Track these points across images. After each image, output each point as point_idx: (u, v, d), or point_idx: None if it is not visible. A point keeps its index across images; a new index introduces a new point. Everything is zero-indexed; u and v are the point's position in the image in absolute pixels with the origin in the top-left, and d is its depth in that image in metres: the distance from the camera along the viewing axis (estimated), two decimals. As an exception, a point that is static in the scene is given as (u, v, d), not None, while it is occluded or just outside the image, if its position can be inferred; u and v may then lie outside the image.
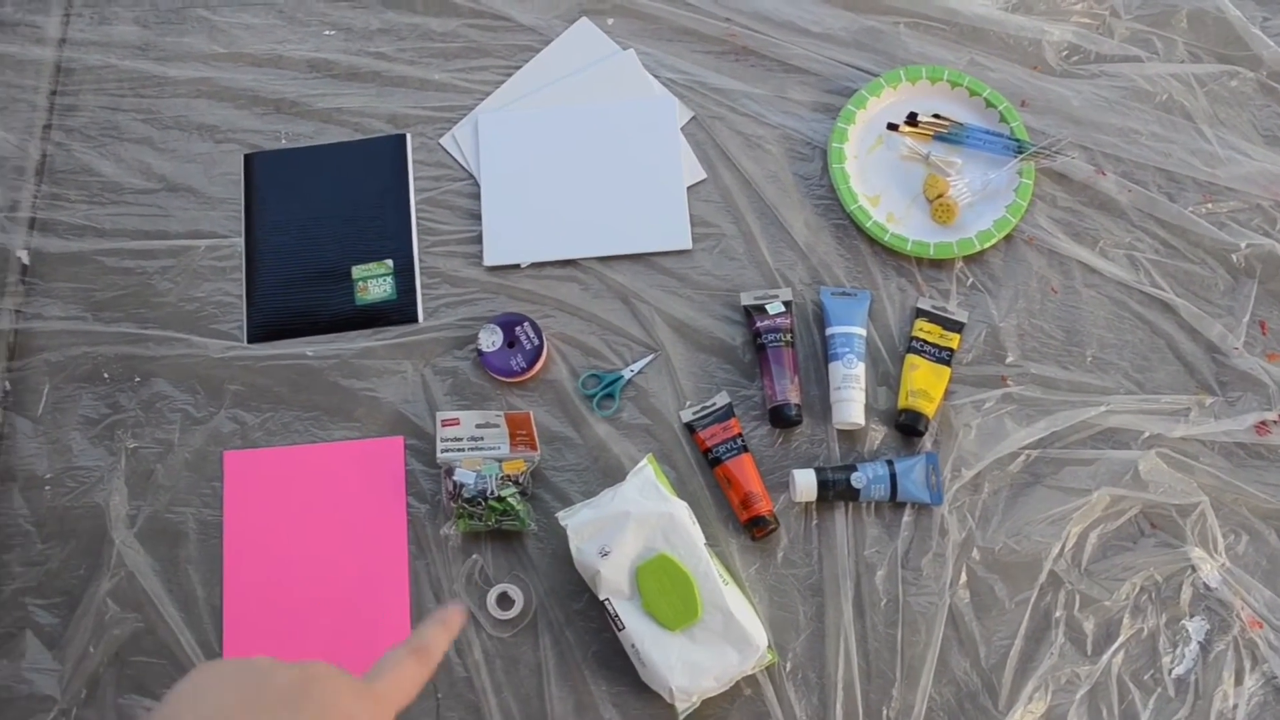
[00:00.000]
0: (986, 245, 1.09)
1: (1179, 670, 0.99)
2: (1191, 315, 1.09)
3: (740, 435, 1.03)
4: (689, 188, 1.14)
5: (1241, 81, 1.18)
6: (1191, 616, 1.00)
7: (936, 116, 1.15)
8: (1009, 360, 1.08)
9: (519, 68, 1.19)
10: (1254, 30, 1.19)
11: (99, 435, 1.07)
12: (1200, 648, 0.99)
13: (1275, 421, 1.06)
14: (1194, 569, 1.01)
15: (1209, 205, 1.13)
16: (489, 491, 0.99)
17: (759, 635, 0.95)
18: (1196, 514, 1.02)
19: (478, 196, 1.14)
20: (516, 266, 1.12)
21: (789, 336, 1.05)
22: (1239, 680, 0.98)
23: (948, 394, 1.06)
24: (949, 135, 1.14)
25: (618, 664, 0.98)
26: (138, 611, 1.02)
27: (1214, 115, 1.17)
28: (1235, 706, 0.97)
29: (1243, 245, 1.11)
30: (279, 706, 0.42)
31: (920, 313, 1.08)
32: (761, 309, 1.07)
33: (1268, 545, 1.02)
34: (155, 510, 1.05)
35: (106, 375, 1.09)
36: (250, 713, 0.41)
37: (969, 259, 1.11)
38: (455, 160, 1.16)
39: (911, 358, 1.06)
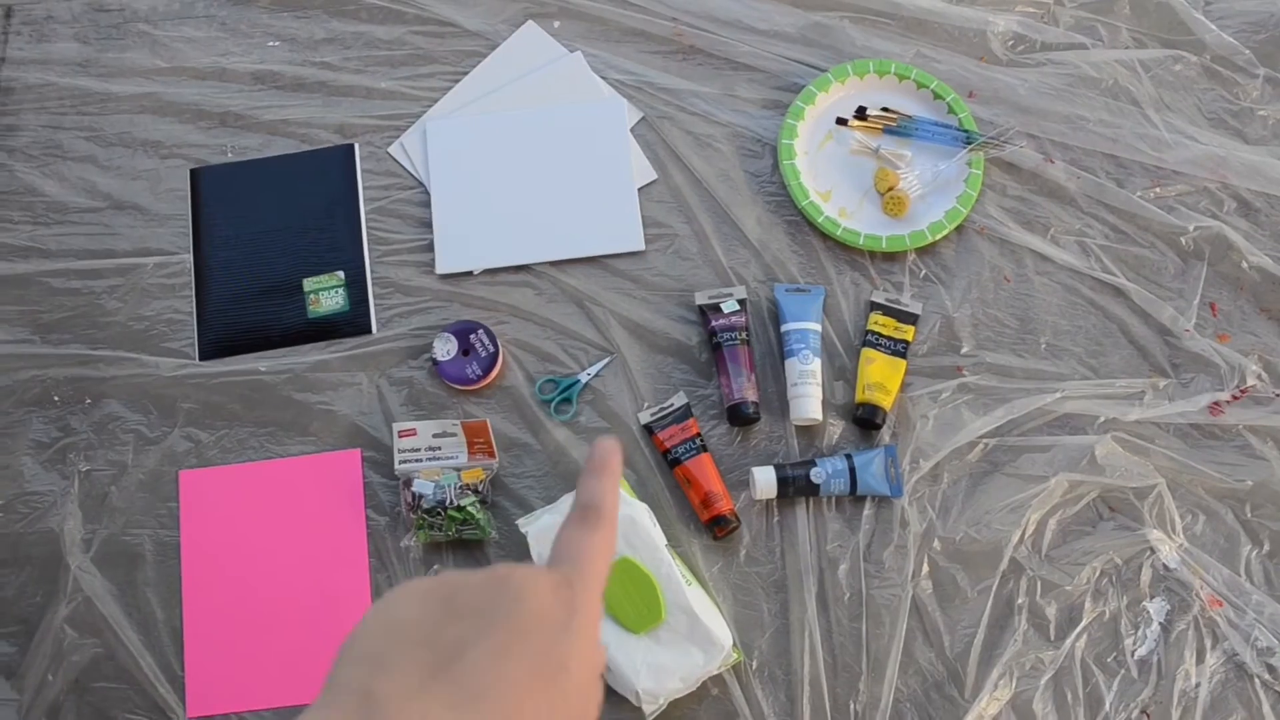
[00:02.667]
0: (938, 236, 1.10)
1: (1141, 651, 0.99)
2: (1143, 299, 1.10)
3: (699, 435, 1.03)
4: (640, 189, 1.14)
5: (1186, 66, 1.19)
6: (1152, 598, 1.01)
7: (885, 110, 1.15)
8: (964, 350, 1.08)
9: (466, 73, 1.18)
10: (1196, 15, 1.20)
11: (51, 459, 1.06)
12: (1161, 628, 1.00)
13: (1228, 402, 1.07)
14: (1153, 551, 1.02)
15: (1157, 190, 1.14)
16: (448, 501, 0.99)
17: (724, 635, 0.95)
18: (1153, 496, 1.03)
19: (428, 204, 1.13)
20: (469, 274, 1.11)
21: (744, 334, 1.05)
22: (1201, 659, 0.99)
23: (904, 386, 1.06)
24: (898, 128, 1.14)
25: (583, 669, 0.97)
26: (96, 637, 1.00)
27: (1159, 100, 1.18)
28: (1198, 685, 0.98)
29: (1191, 228, 1.12)
30: (465, 619, 0.39)
31: (875, 306, 1.08)
32: (716, 308, 1.07)
33: (1224, 524, 1.03)
34: (111, 533, 1.03)
35: (56, 398, 1.08)
36: (437, 628, 0.39)
37: (921, 251, 1.11)
38: (404, 169, 1.15)
39: (867, 351, 1.06)
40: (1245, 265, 1.11)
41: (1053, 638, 0.99)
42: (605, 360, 1.08)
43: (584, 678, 0.41)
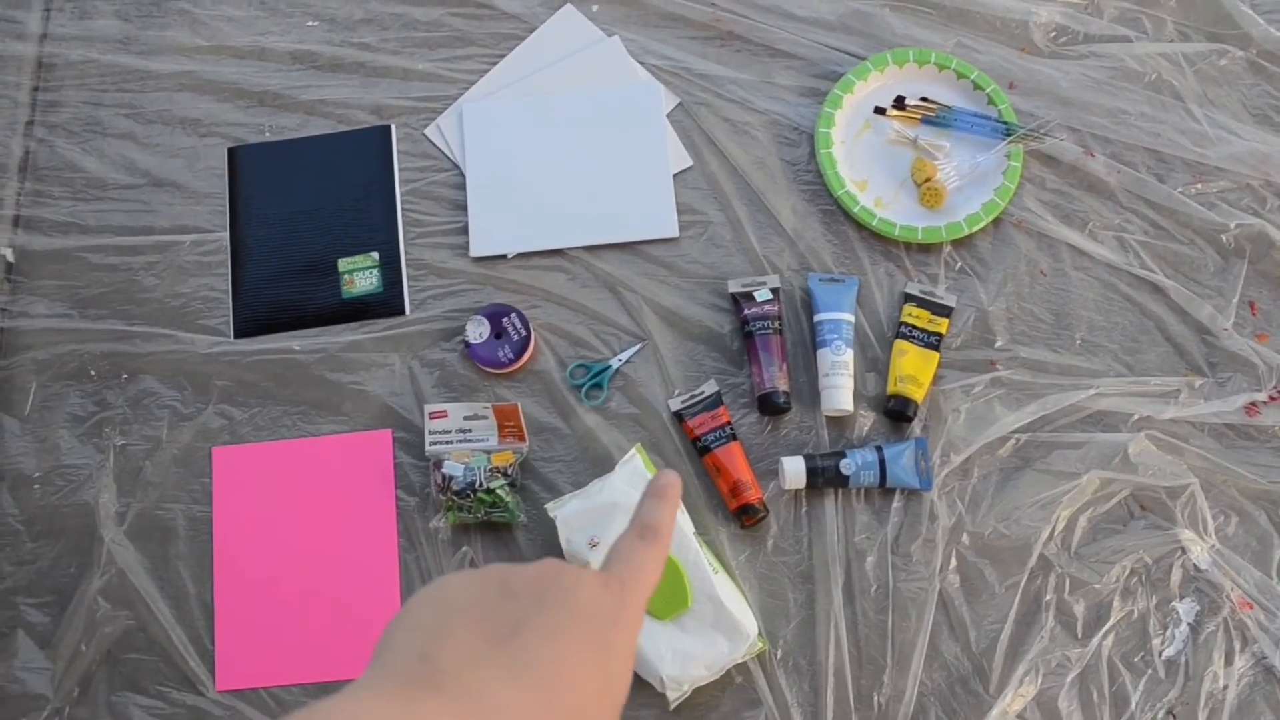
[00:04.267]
0: (975, 229, 1.09)
1: (1169, 652, 0.99)
2: (1181, 296, 1.09)
3: (729, 423, 1.03)
4: (675, 175, 1.13)
5: (1231, 60, 1.17)
6: (1181, 598, 1.00)
7: (924, 100, 1.14)
8: (998, 344, 1.07)
9: (503, 56, 1.18)
10: (1243, 8, 1.18)
11: (87, 433, 1.07)
12: (1190, 629, 0.99)
13: (1265, 402, 1.05)
14: (1184, 551, 1.01)
15: (1198, 186, 1.12)
16: (478, 483, 0.99)
17: (749, 623, 0.95)
18: (1186, 496, 1.02)
19: (463, 187, 1.13)
20: (503, 257, 1.11)
21: (777, 324, 1.05)
22: (1229, 661, 0.98)
23: (936, 379, 1.05)
24: (936, 118, 1.13)
25: (609, 654, 0.97)
26: (129, 609, 1.02)
27: (1203, 95, 1.16)
28: (1225, 687, 0.97)
29: (1232, 225, 1.10)
30: (520, 600, 0.42)
31: (908, 298, 1.08)
32: (749, 296, 1.06)
33: (1257, 526, 1.02)
34: (144, 507, 1.05)
35: (93, 372, 1.09)
36: (492, 607, 0.41)
37: (957, 243, 1.11)
38: (440, 151, 1.15)
39: (900, 343, 1.05)
40: (1287, 264, 1.09)
41: (1080, 636, 0.99)
42: (637, 346, 1.08)
43: (625, 665, 0.43)
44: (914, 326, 1.06)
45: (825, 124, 1.12)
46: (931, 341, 1.05)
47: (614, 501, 0.95)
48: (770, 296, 1.06)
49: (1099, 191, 1.13)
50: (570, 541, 0.95)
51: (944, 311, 1.07)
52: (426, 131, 1.16)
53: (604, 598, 0.43)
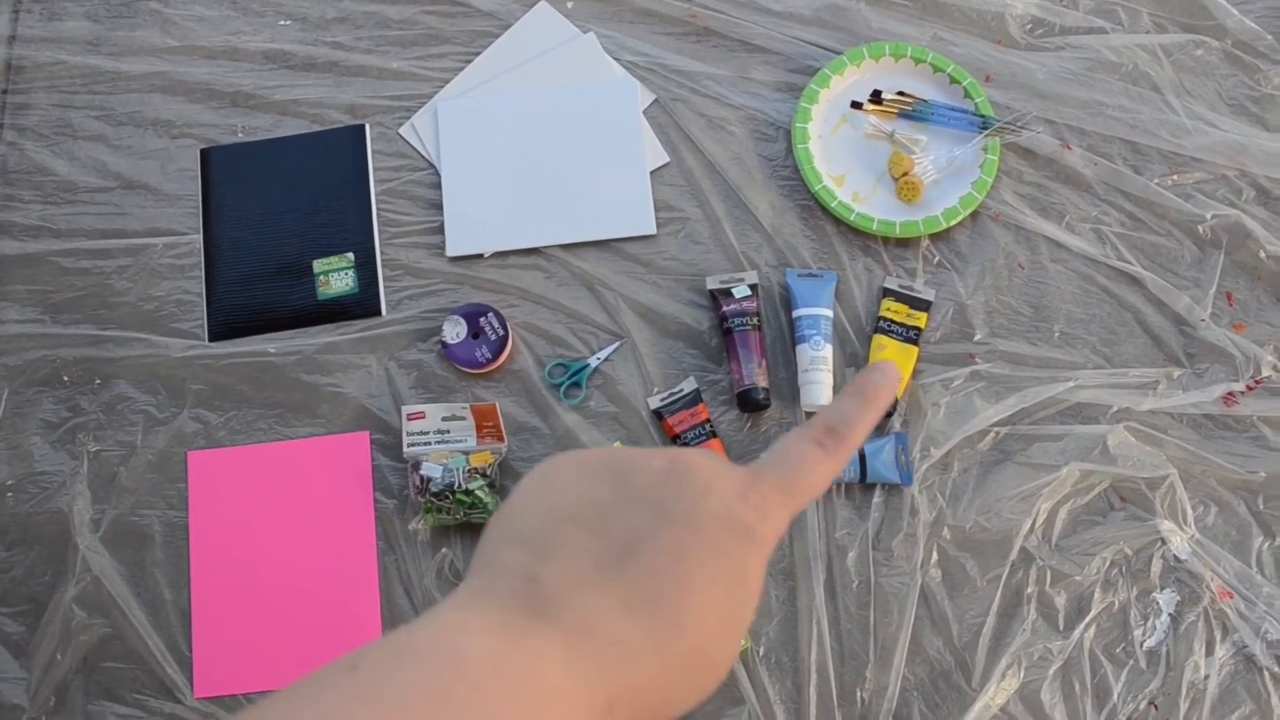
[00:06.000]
0: (952, 223, 1.09)
1: (1150, 642, 0.99)
2: (1158, 288, 1.09)
3: (709, 420, 1.03)
4: (652, 172, 1.13)
5: (1207, 51, 1.17)
6: (1162, 589, 1.00)
7: (900, 94, 1.14)
8: (977, 338, 1.07)
9: (478, 54, 1.17)
10: (1218, -1, 1.19)
11: (60, 439, 1.06)
12: (1171, 619, 0.99)
13: (1243, 392, 1.06)
14: (1164, 541, 1.01)
15: (1175, 177, 1.13)
16: (456, 484, 0.98)
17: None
18: (1165, 487, 1.02)
19: (439, 186, 1.13)
20: (479, 256, 1.10)
21: (755, 320, 1.05)
22: (1210, 651, 0.98)
23: (916, 373, 1.05)
24: (913, 112, 1.13)
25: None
26: (105, 617, 1.01)
27: (1180, 85, 1.16)
28: (1207, 677, 0.98)
29: (1209, 216, 1.10)
30: (639, 507, 0.35)
31: (887, 292, 1.07)
32: (727, 293, 1.06)
33: (1236, 516, 1.02)
34: (119, 514, 1.04)
35: (66, 378, 1.08)
36: (607, 514, 0.35)
37: (935, 237, 1.10)
38: (415, 150, 1.14)
39: (879, 338, 1.05)
40: (1263, 255, 1.09)
41: (1061, 628, 0.99)
42: (615, 344, 1.07)
43: (755, 593, 0.36)
44: (893, 321, 1.05)
45: (802, 119, 1.12)
46: (910, 336, 1.05)
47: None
48: (749, 293, 1.06)
49: (1076, 184, 1.13)
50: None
51: (923, 306, 1.06)
52: (401, 130, 1.15)
53: (743, 510, 0.35)
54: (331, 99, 1.16)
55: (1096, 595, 1.00)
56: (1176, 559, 1.01)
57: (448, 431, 1.02)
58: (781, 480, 0.37)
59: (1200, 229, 1.11)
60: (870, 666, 0.97)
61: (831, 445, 0.38)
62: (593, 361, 1.06)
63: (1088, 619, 0.99)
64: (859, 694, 0.97)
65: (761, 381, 1.03)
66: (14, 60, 1.19)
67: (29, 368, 1.08)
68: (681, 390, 1.05)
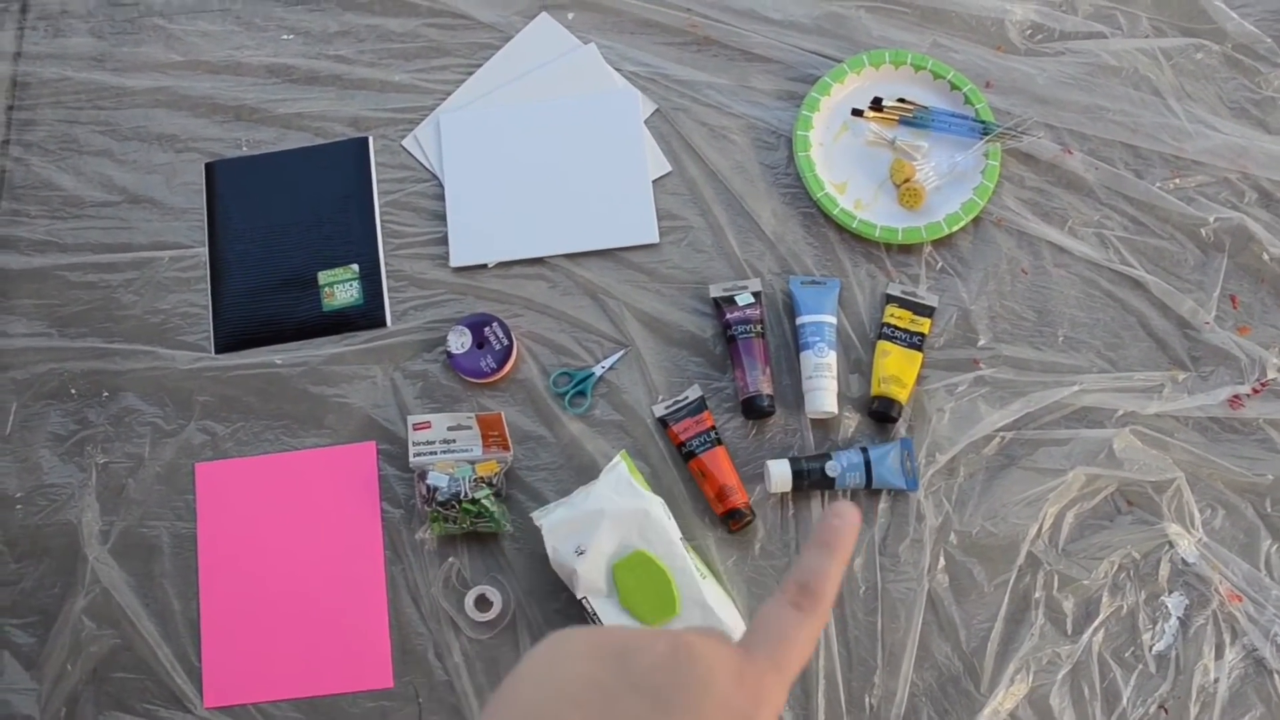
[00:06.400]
0: (955, 228, 1.09)
1: (1159, 646, 0.99)
2: (1162, 291, 1.09)
3: (714, 428, 1.03)
4: (654, 181, 1.13)
5: (1207, 54, 1.18)
6: (1170, 592, 1.00)
7: (901, 101, 1.14)
8: (981, 343, 1.07)
9: (480, 66, 1.18)
10: (1217, 3, 1.19)
11: (68, 452, 1.07)
12: (1180, 623, 0.99)
13: (1248, 395, 1.05)
14: (1171, 545, 1.01)
15: (1177, 180, 1.13)
16: (463, 494, 0.99)
17: (738, 628, 0.94)
18: (1172, 490, 1.02)
19: (442, 197, 1.13)
20: (483, 266, 1.11)
21: (759, 327, 1.05)
22: (1219, 654, 0.98)
23: (920, 379, 1.05)
24: (914, 119, 1.13)
25: (598, 662, 0.97)
26: (114, 628, 1.01)
27: (1180, 89, 1.16)
28: (1216, 680, 0.97)
29: (1211, 219, 1.10)
30: (642, 693, 0.35)
31: (890, 298, 1.08)
32: (731, 300, 1.06)
33: (1244, 519, 1.02)
34: (128, 525, 1.04)
35: (74, 391, 1.08)
36: (610, 698, 0.35)
37: (937, 243, 1.11)
38: (418, 162, 1.15)
39: (883, 344, 1.05)
40: (1266, 257, 1.10)
41: (1070, 632, 0.99)
42: (619, 353, 1.08)
43: None
44: (896, 327, 1.06)
45: (803, 127, 1.12)
46: (914, 342, 1.05)
47: (600, 509, 0.95)
48: (752, 300, 1.06)
49: (1078, 188, 1.13)
50: (556, 550, 0.95)
51: (926, 312, 1.07)
52: (404, 143, 1.16)
53: (739, 694, 0.37)
54: (335, 112, 1.17)
55: (1105, 599, 0.99)
56: (1184, 562, 1.01)
57: (453, 441, 1.02)
58: (772, 658, 0.39)
59: (1203, 232, 1.11)
60: (878, 672, 0.97)
61: (809, 604, 0.40)
62: (597, 370, 1.07)
63: (1096, 623, 0.99)
64: (867, 700, 0.97)
65: (766, 389, 1.03)
66: (19, 77, 1.20)
67: (37, 381, 1.09)
68: (686, 398, 1.05)
